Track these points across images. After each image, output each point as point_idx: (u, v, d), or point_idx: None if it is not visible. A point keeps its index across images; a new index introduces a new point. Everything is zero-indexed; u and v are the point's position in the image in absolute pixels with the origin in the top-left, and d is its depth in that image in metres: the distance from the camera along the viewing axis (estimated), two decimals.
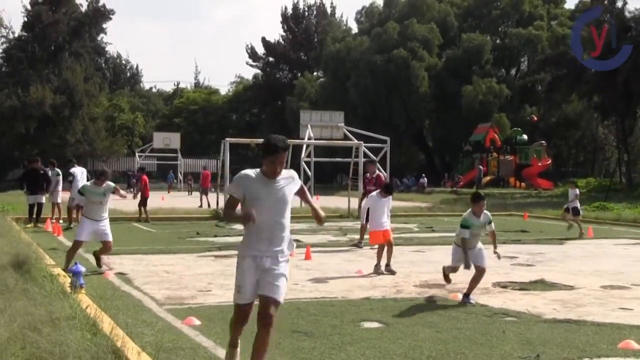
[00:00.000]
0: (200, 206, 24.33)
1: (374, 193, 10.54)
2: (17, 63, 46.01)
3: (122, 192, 10.58)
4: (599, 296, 8.03)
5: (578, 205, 16.00)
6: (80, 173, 16.40)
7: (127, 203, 23.73)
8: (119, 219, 19.00)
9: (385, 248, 9.75)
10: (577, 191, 16.28)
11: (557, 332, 6.12)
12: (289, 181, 4.58)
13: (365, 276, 9.42)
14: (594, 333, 6.10)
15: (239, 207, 4.56)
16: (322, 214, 4.83)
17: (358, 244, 12.78)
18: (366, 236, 11.37)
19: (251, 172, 4.58)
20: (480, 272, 7.63)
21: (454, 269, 7.92)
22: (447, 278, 8.14)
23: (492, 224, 7.76)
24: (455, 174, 43.26)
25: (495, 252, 7.76)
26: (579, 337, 5.96)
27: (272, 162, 4.43)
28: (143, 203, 18.74)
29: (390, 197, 10.42)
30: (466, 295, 7.54)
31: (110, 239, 9.68)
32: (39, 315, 5.49)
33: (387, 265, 9.70)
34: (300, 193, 4.75)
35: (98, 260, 9.65)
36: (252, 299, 4.57)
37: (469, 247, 7.56)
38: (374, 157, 25.06)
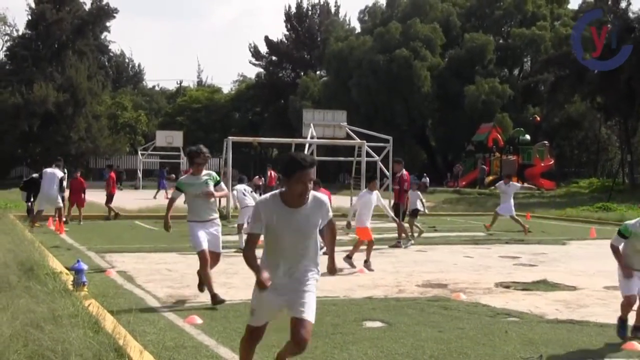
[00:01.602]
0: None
1: (365, 190, 10.89)
2: (21, 61, 46.09)
3: (222, 190, 7.64)
4: (602, 297, 8.00)
5: (418, 205, 14.69)
6: (50, 174, 15.38)
7: (130, 200, 23.78)
8: (121, 217, 19.05)
9: (367, 245, 10.19)
10: (419, 193, 15.00)
11: (560, 333, 6.11)
12: (315, 209, 4.01)
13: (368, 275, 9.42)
14: (597, 334, 6.08)
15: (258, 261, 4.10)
16: (336, 267, 4.50)
17: (398, 244, 12.88)
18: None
19: (268, 197, 4.05)
20: None
21: (628, 303, 5.88)
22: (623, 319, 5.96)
23: None
24: (458, 166, 42.96)
25: None
26: (582, 337, 5.94)
27: (297, 182, 3.88)
28: (109, 200, 18.55)
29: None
30: (637, 329, 5.93)
31: (221, 249, 7.37)
32: (42, 312, 5.50)
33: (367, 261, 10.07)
34: (326, 228, 4.21)
35: (202, 284, 7.30)
36: (268, 319, 4.21)
37: (631, 267, 5.87)
38: (377, 156, 25.09)
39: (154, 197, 28.53)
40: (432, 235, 15.63)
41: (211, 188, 7.26)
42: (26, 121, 41.80)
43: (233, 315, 6.62)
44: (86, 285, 7.32)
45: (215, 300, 6.93)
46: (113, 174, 19.59)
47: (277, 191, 4.05)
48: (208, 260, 7.03)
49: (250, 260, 4.04)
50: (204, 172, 7.31)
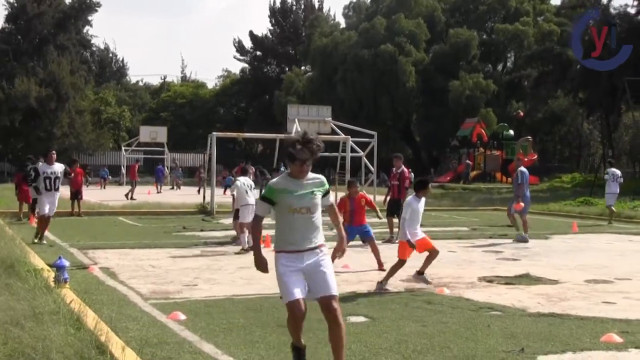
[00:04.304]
0: (132, 198, 24.74)
1: (411, 197, 8.34)
2: (1, 55, 45.57)
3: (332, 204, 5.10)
4: (582, 290, 8.09)
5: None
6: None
7: (116, 196, 23.62)
8: (105, 213, 18.94)
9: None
10: (240, 183, 11.76)
11: (541, 326, 6.17)
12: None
13: (352, 271, 9.44)
14: (577, 327, 6.15)
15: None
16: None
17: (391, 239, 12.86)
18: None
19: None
20: None
21: None
22: None
23: None
24: (452, 161, 43.13)
25: None
26: (563, 330, 6.01)
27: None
28: (74, 196, 18.09)
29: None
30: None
31: (335, 290, 4.70)
32: (22, 310, 5.45)
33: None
34: None
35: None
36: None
37: None
38: (362, 151, 25.13)
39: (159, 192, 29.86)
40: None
41: (331, 202, 4.90)
42: (7, 116, 41.38)
43: (217, 311, 6.61)
44: (68, 282, 7.26)
45: (300, 354, 4.77)
46: (80, 170, 19.05)
47: None
48: (303, 314, 4.53)
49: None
50: (310, 175, 4.72)
